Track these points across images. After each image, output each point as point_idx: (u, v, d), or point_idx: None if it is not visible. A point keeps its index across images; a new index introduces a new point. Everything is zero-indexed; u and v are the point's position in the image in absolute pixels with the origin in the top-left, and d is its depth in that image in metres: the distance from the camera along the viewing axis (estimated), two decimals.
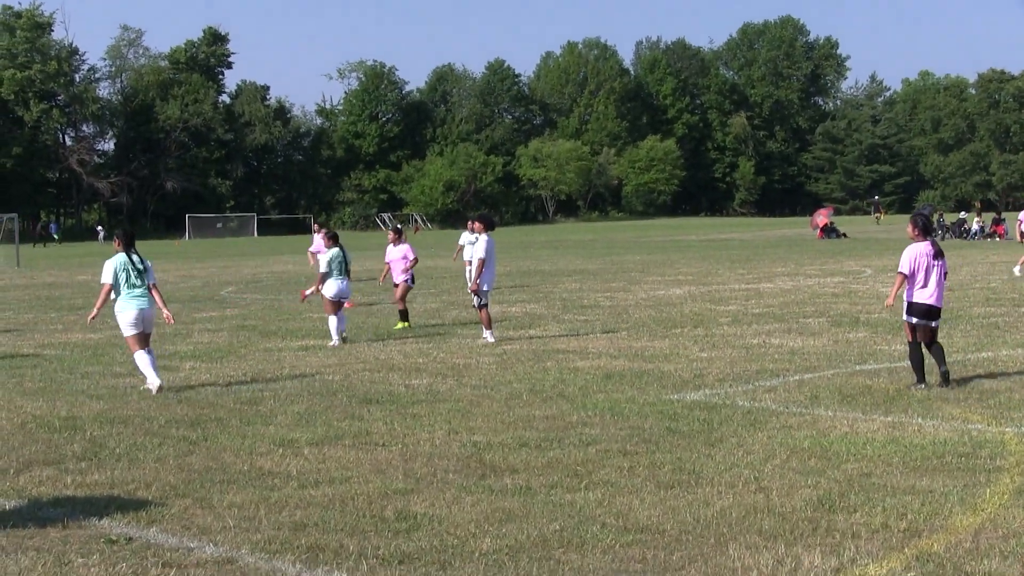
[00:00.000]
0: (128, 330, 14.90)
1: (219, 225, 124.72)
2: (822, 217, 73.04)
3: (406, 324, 22.49)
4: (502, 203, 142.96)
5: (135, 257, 14.96)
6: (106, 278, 14.85)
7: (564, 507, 8.77)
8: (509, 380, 15.30)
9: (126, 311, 14.86)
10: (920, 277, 13.83)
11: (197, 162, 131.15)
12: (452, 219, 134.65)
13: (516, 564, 7.46)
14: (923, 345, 13.93)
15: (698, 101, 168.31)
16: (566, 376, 15.54)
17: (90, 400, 14.37)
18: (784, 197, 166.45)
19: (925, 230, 14.18)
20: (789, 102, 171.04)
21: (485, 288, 19.67)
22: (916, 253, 13.89)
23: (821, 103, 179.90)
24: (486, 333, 19.72)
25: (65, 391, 15.18)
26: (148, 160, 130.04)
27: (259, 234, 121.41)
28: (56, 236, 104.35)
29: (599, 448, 10.82)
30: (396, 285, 23.08)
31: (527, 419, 12.40)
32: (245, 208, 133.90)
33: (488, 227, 20.03)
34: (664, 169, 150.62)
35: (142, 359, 14.81)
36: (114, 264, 14.80)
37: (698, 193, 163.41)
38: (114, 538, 8.16)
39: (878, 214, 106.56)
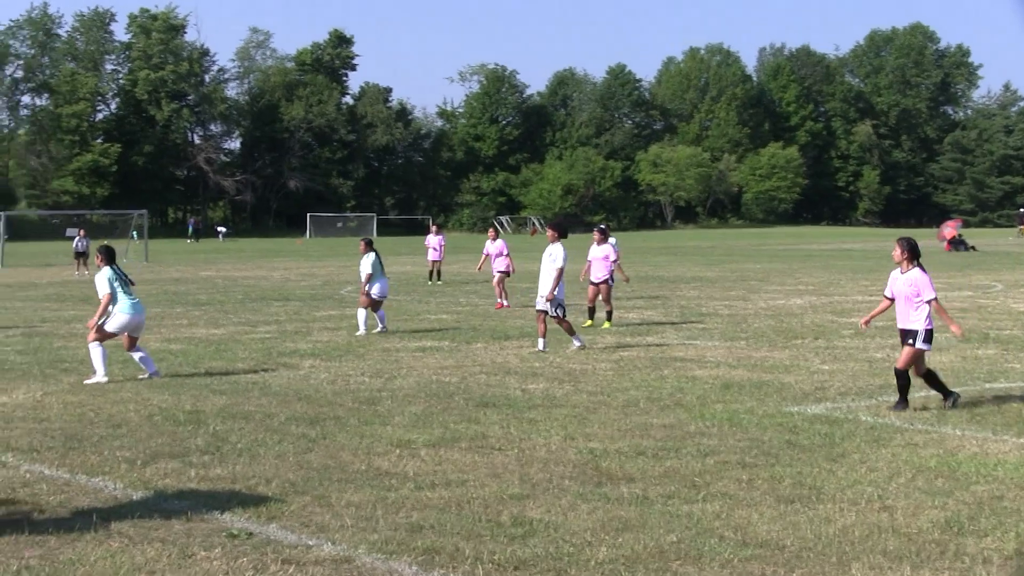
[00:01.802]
0: (116, 329, 16.14)
1: (339, 224, 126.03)
2: (950, 229, 71.58)
3: (609, 323, 23.35)
4: (620, 208, 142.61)
5: (118, 270, 16.36)
6: (106, 289, 16.06)
7: (681, 518, 8.67)
8: (626, 387, 15.22)
9: (122, 315, 16.08)
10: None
11: (320, 162, 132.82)
12: (570, 223, 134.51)
13: (632, 575, 7.40)
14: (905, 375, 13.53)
15: (822, 108, 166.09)
16: (684, 385, 15.42)
17: (213, 395, 14.60)
18: (910, 208, 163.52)
19: (914, 254, 13.72)
20: (917, 111, 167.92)
21: (561, 298, 19.45)
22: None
23: (951, 112, 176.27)
24: (575, 340, 19.48)
25: (189, 385, 15.45)
26: (272, 159, 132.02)
27: (378, 234, 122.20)
28: (192, 234, 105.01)
29: (717, 459, 10.70)
30: (595, 284, 23.42)
31: (644, 427, 12.32)
32: (365, 208, 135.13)
33: (562, 235, 19.85)
34: (785, 177, 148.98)
35: (97, 352, 15.91)
36: (107, 276, 16.11)
37: (820, 201, 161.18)
38: (235, 532, 8.27)
39: (1023, 226, 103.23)
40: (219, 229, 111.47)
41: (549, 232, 19.93)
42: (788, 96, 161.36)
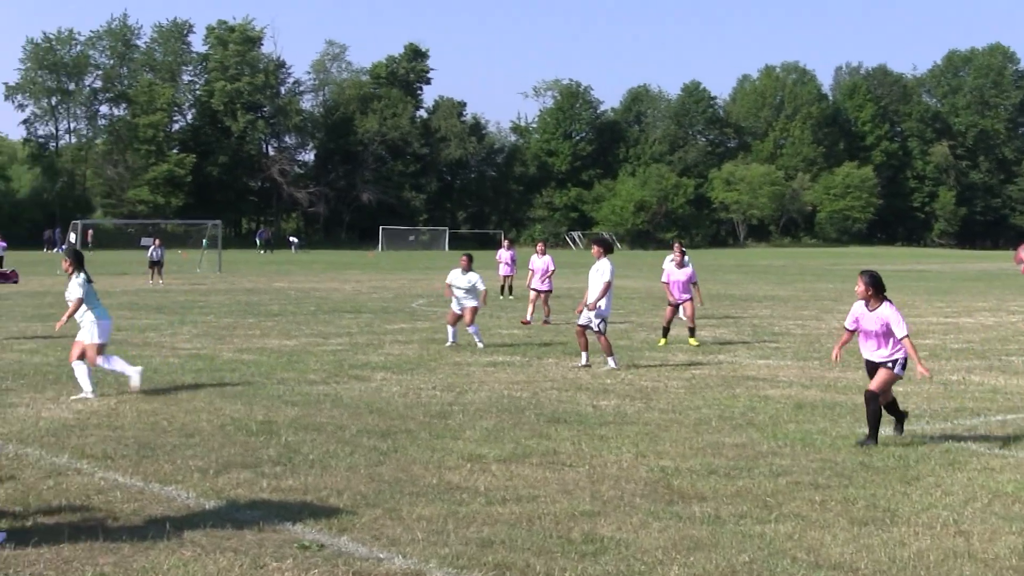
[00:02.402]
0: (105, 338, 15.94)
1: (412, 238, 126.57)
2: None
3: (693, 340, 23.35)
4: (693, 225, 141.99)
5: (88, 275, 16.09)
6: (79, 294, 15.79)
7: (753, 538, 8.62)
8: (698, 405, 15.16)
9: (105, 322, 15.95)
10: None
11: (393, 175, 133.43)
12: (642, 239, 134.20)
13: None
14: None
15: (898, 128, 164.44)
16: (756, 404, 15.33)
17: (285, 406, 14.70)
18: (986, 229, 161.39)
19: (878, 289, 12.73)
20: (995, 132, 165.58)
21: (607, 313, 19.47)
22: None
23: None
24: (610, 360, 19.26)
25: (262, 396, 15.56)
26: (346, 172, 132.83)
27: (450, 248, 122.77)
28: (259, 243, 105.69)
29: (790, 479, 10.62)
30: (673, 305, 23.62)
31: (716, 446, 12.25)
32: (437, 222, 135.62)
33: (608, 251, 19.86)
34: (860, 196, 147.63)
35: (116, 363, 15.94)
36: (82, 282, 15.83)
37: (895, 222, 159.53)
38: (307, 544, 8.31)
39: None
40: (291, 240, 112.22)
41: (595, 249, 19.88)
42: (864, 115, 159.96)
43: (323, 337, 24.22)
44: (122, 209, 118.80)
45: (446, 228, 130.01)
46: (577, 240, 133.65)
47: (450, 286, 22.87)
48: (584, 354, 19.44)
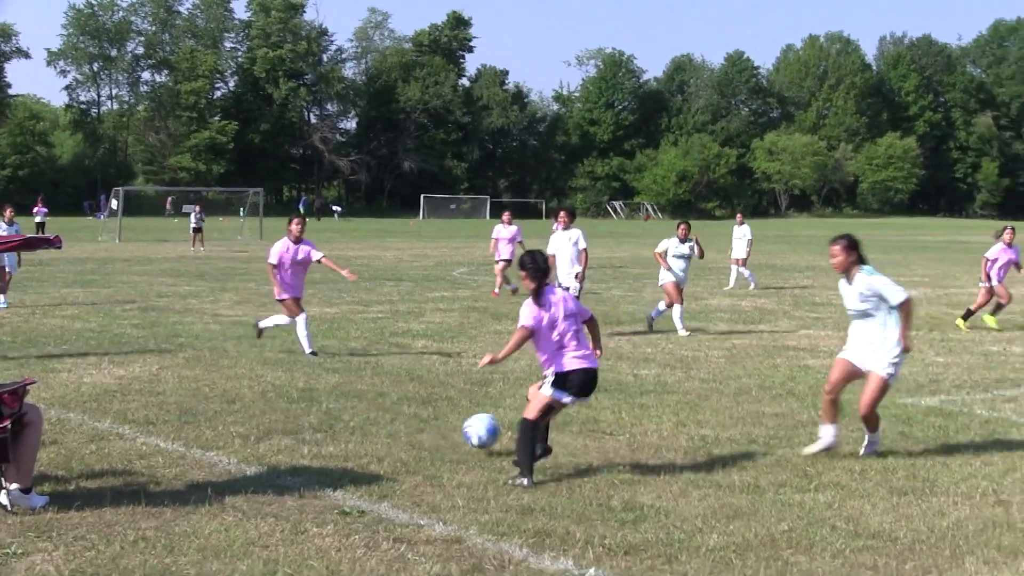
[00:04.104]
0: None
1: (453, 206, 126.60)
2: None
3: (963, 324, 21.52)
4: (734, 195, 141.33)
5: None
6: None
7: (793, 507, 8.63)
8: (738, 375, 15.15)
9: None
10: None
11: (435, 143, 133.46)
12: (683, 209, 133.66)
13: (743, 562, 7.37)
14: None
15: (942, 99, 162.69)
16: (796, 374, 15.30)
17: (326, 373, 14.78)
18: None
19: (539, 274, 9.84)
20: None
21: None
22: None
23: None
24: None
25: (302, 363, 15.65)
26: (387, 140, 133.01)
27: (491, 217, 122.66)
28: (302, 211, 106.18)
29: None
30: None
31: (756, 415, 12.26)
32: (479, 190, 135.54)
33: (573, 219, 20.46)
34: (902, 167, 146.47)
35: None
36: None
37: (937, 193, 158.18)
38: (347, 510, 8.38)
39: None
40: (335, 208, 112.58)
41: (563, 216, 20.43)
42: (908, 86, 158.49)
43: (364, 305, 24.31)
44: (164, 176, 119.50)
45: (487, 197, 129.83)
46: (619, 209, 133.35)
47: (664, 254, 20.29)
48: None
